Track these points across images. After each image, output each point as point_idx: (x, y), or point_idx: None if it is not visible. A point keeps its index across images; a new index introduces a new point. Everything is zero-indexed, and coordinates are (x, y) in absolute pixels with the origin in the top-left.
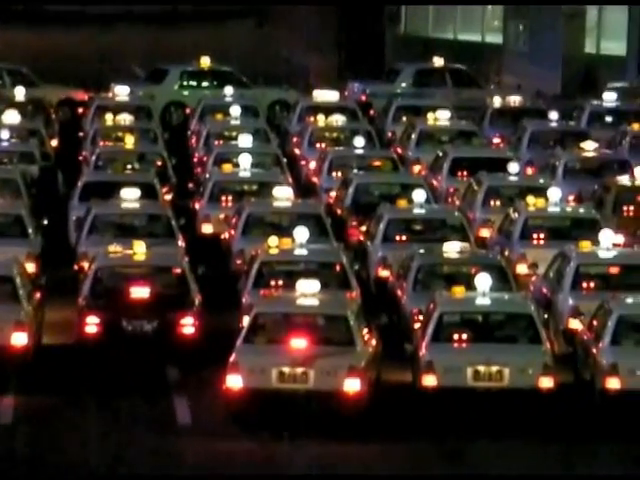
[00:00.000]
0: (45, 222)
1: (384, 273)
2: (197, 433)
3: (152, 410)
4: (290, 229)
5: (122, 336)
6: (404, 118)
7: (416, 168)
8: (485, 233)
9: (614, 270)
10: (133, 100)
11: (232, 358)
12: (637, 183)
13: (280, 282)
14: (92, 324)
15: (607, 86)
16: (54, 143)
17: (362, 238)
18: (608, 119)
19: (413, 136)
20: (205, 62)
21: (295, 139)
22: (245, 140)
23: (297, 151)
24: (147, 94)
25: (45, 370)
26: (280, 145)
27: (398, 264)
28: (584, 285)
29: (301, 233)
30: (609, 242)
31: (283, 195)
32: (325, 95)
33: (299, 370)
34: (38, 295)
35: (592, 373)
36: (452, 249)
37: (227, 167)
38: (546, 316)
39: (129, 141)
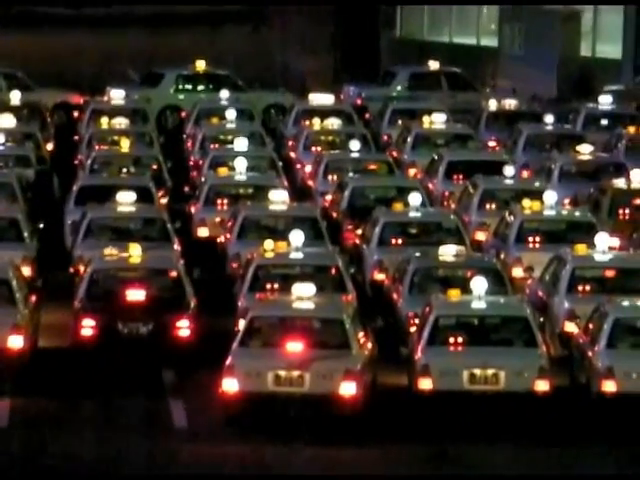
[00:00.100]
0: (41, 226)
1: (380, 276)
2: (193, 436)
3: (148, 413)
4: (286, 232)
5: (118, 339)
6: (400, 121)
7: (412, 171)
8: (481, 236)
9: (610, 273)
10: (129, 104)
11: (228, 361)
12: (633, 186)
13: (276, 285)
14: (88, 327)
15: (603, 89)
16: (50, 147)
17: (358, 241)
18: (604, 122)
19: (409, 139)
20: (201, 66)
21: (291, 142)
22: (241, 144)
23: (293, 154)
24: (143, 98)
25: (41, 373)
26: (276, 149)
27: (394, 267)
28: (580, 288)
29: (297, 236)
30: (605, 245)
31: (279, 198)
32: (321, 98)
33: (295, 373)
34: (34, 298)
35: (588, 376)
36: (448, 252)
37: (223, 171)
38: (542, 319)
39: (125, 145)
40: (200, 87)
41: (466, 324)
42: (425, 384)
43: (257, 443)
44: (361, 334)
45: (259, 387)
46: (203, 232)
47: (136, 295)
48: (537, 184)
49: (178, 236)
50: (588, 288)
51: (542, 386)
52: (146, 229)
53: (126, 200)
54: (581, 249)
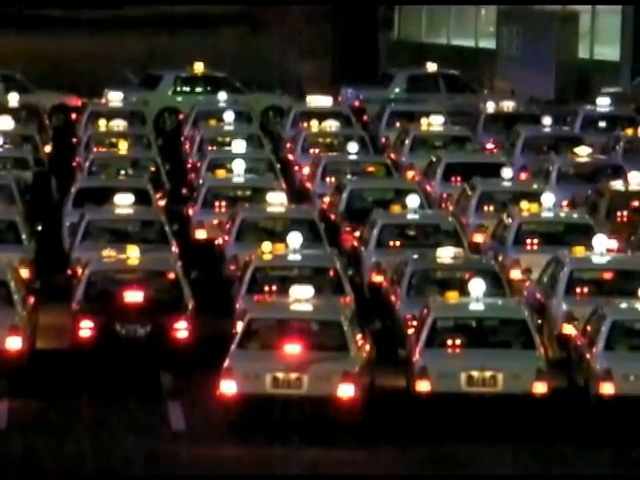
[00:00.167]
0: (39, 228)
1: (378, 278)
2: (191, 438)
3: (146, 415)
4: (284, 234)
5: (116, 340)
6: (398, 123)
7: (410, 173)
8: (479, 238)
9: (608, 275)
10: (127, 106)
11: (226, 364)
12: (631, 188)
13: (274, 288)
14: (86, 328)
15: (601, 91)
16: (48, 149)
17: (356, 243)
18: (602, 124)
19: (407, 141)
20: (199, 68)
21: (289, 145)
22: (239, 146)
23: (291, 157)
24: (141, 100)
25: (39, 374)
26: (274, 151)
27: (392, 269)
28: (578, 290)
29: (295, 238)
30: (603, 247)
31: (277, 201)
32: (319, 101)
33: (293, 376)
34: (32, 300)
35: (586, 378)
36: (446, 254)
37: (221, 173)
38: (540, 321)
39: (123, 147)
40: (198, 89)
41: (464, 326)
42: (423, 386)
43: (255, 445)
44: (359, 336)
45: (257, 389)
46: (201, 234)
47: (134, 297)
48: (535, 186)
49: (176, 238)
50: (586, 290)
51: (540, 388)
52: (144, 231)
53: (124, 202)
54: (579, 251)
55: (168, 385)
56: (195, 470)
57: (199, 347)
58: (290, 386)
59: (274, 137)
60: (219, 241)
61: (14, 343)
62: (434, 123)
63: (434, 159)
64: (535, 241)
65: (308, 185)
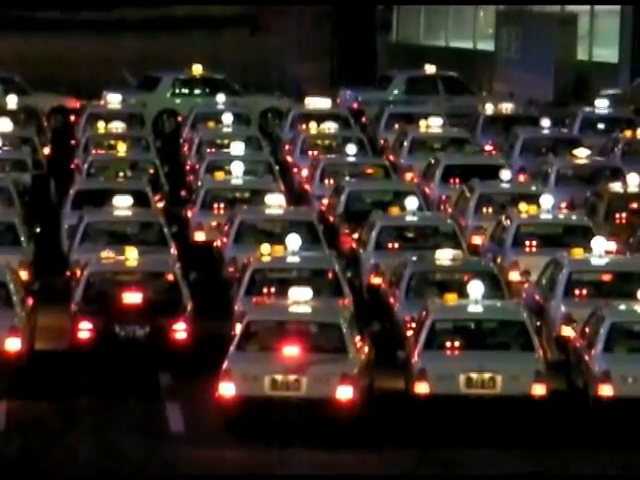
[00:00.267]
0: (38, 230)
1: (376, 280)
2: (190, 440)
3: (145, 417)
4: (282, 236)
5: (114, 341)
6: (396, 125)
7: (408, 175)
8: (477, 240)
9: (606, 277)
10: (125, 108)
11: (225, 365)
12: (629, 190)
13: (272, 289)
14: (85, 329)
15: (599, 93)
16: (46, 151)
17: (354, 245)
18: (600, 126)
19: (405, 143)
20: (197, 70)
21: (287, 147)
22: (237, 148)
23: (289, 159)
24: (139, 102)
25: (38, 375)
26: (272, 153)
27: (390, 271)
28: (576, 292)
29: (293, 240)
30: (601, 249)
31: (275, 202)
32: (317, 103)
33: (292, 378)
34: (30, 301)
35: (585, 380)
36: (444, 256)
37: (219, 175)
38: (538, 323)
39: (121, 149)
40: (197, 91)
41: (463, 328)
42: (422, 388)
43: (254, 447)
44: (358, 338)
45: (256, 391)
46: (200, 236)
47: (133, 298)
48: (534, 188)
49: (175, 240)
50: (585, 292)
51: (539, 390)
52: (143, 233)
53: (123, 204)
54: (578, 253)
55: (167, 386)
56: (193, 472)
57: (198, 349)
58: (289, 388)
59: (273, 139)
60: (218, 243)
61: (13, 344)
62: (433, 125)
63: (433, 161)
64: (534, 243)
65: (307, 187)
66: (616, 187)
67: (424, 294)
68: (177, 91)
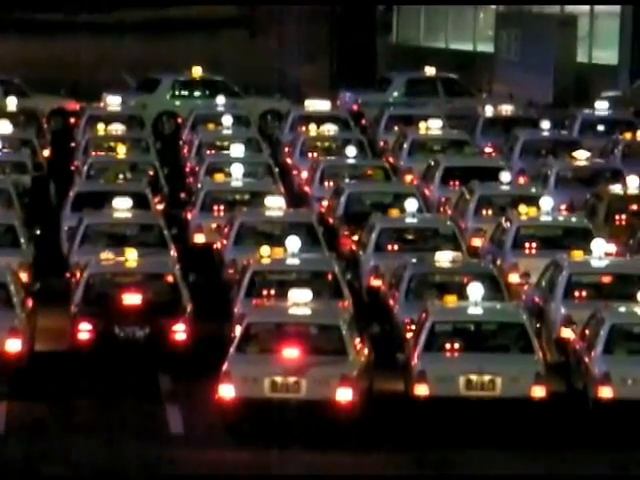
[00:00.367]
0: (37, 232)
1: (376, 282)
2: (189, 442)
3: (144, 418)
4: (282, 238)
5: (114, 343)
6: (396, 127)
7: (408, 177)
8: (477, 242)
9: (606, 279)
10: (125, 110)
11: (224, 367)
12: (629, 192)
13: (272, 291)
14: (84, 331)
15: (599, 95)
16: (46, 153)
17: (354, 247)
18: (600, 128)
19: (405, 145)
20: (197, 72)
21: (287, 149)
22: (237, 150)
23: (289, 161)
24: (139, 104)
25: (38, 377)
26: (272, 155)
27: (390, 273)
28: (576, 294)
29: (293, 242)
30: (601, 251)
31: (275, 205)
32: (317, 104)
33: (291, 379)
34: (30, 303)
35: (584, 382)
36: (444, 258)
37: (219, 177)
38: (538, 325)
39: (121, 151)
40: (196, 93)
41: (462, 330)
42: (421, 390)
43: (254, 449)
44: (357, 340)
45: (256, 393)
46: (199, 238)
47: (132, 299)
48: (533, 190)
49: (175, 242)
50: (584, 294)
51: (538, 392)
52: (142, 235)
53: (122, 206)
54: (577, 255)
55: (166, 388)
56: (193, 474)
57: (198, 350)
58: (288, 390)
59: (272, 141)
60: (217, 245)
61: (14, 345)
62: (432, 127)
63: (432, 163)
64: (533, 245)
65: (306, 189)
66: (616, 189)
67: (424, 296)
68: (177, 93)
